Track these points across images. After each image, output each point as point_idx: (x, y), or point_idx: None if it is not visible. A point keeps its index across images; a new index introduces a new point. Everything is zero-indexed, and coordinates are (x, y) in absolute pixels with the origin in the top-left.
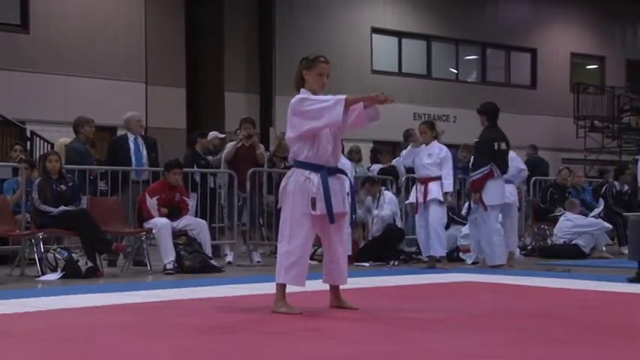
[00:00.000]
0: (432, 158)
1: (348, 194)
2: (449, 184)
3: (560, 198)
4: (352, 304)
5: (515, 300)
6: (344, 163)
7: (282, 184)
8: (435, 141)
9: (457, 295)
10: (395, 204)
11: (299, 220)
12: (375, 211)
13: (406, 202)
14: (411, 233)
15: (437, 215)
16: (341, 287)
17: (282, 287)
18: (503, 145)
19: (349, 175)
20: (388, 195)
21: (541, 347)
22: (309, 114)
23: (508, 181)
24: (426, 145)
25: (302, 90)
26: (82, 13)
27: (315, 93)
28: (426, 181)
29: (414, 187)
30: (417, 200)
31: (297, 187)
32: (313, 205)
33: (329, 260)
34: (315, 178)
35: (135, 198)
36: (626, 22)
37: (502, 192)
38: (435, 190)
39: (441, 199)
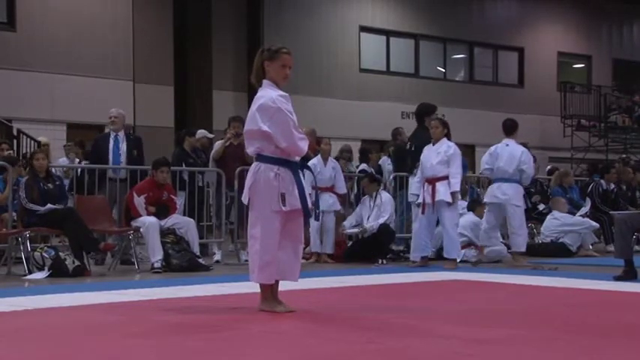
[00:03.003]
0: (440, 156)
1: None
2: (456, 183)
3: (537, 192)
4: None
5: (503, 298)
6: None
7: (250, 180)
8: (445, 138)
9: (444, 293)
10: (392, 206)
11: (269, 217)
12: (371, 224)
13: (411, 200)
14: (399, 232)
15: (449, 219)
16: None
17: (266, 286)
18: (412, 146)
19: (338, 173)
20: (386, 196)
21: (528, 346)
22: (278, 125)
23: (500, 180)
24: (436, 141)
25: (264, 82)
26: (69, 10)
27: (277, 85)
28: (433, 180)
29: (422, 186)
30: (424, 200)
31: (267, 184)
32: (283, 201)
33: (294, 256)
34: (286, 173)
35: (113, 196)
36: (612, 21)
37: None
38: (442, 191)
39: (449, 200)
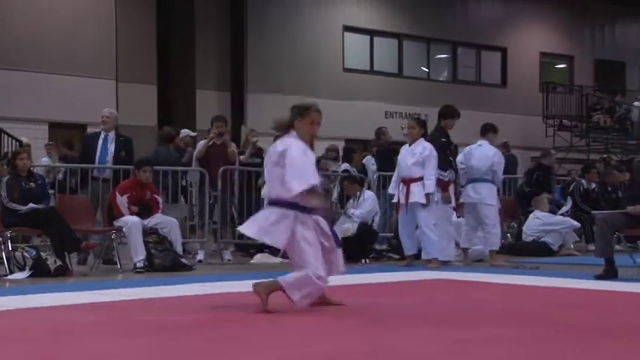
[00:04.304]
0: (416, 157)
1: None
2: (430, 185)
3: (545, 181)
4: (338, 300)
5: (485, 297)
6: None
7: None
8: (422, 139)
9: (427, 292)
10: (375, 202)
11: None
12: (352, 210)
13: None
14: (382, 231)
15: (424, 219)
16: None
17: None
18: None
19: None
20: (368, 193)
21: (510, 344)
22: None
23: (473, 180)
24: (413, 141)
25: (292, 133)
26: (52, 9)
27: (305, 141)
28: (408, 181)
29: (398, 186)
30: (399, 200)
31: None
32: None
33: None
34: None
35: (97, 195)
36: (594, 22)
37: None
38: (416, 193)
39: (424, 201)
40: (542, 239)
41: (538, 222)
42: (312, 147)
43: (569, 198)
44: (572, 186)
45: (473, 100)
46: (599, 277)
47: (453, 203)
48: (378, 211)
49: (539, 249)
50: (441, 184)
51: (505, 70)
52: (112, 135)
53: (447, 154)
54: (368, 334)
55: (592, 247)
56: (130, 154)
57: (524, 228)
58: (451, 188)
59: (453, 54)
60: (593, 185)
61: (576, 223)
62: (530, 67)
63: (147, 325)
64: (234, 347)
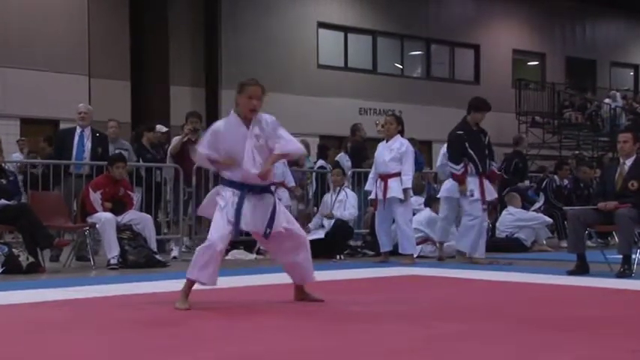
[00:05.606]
0: (393, 153)
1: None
2: (408, 180)
3: (524, 168)
4: (317, 296)
5: (458, 293)
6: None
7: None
8: (399, 135)
9: (400, 289)
10: (357, 202)
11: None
12: (339, 213)
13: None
14: (357, 227)
15: (401, 215)
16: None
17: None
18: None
19: (287, 168)
20: (350, 193)
21: (483, 340)
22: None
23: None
24: (390, 137)
25: (231, 113)
26: (22, 4)
27: (244, 117)
28: (385, 177)
29: (375, 183)
30: (376, 197)
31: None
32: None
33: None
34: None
35: (72, 191)
36: (565, 20)
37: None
38: (394, 188)
39: (401, 196)
40: (515, 235)
41: (511, 218)
42: (248, 123)
43: (541, 194)
44: (544, 182)
45: (446, 97)
46: (571, 273)
47: (476, 196)
48: (357, 213)
49: (513, 245)
50: (455, 178)
51: (478, 67)
52: (87, 131)
53: (458, 148)
54: (340, 330)
55: (564, 243)
56: (106, 150)
57: (497, 224)
58: (474, 181)
59: (427, 51)
60: (566, 182)
61: (549, 219)
62: (503, 64)
63: (117, 322)
64: (208, 342)
